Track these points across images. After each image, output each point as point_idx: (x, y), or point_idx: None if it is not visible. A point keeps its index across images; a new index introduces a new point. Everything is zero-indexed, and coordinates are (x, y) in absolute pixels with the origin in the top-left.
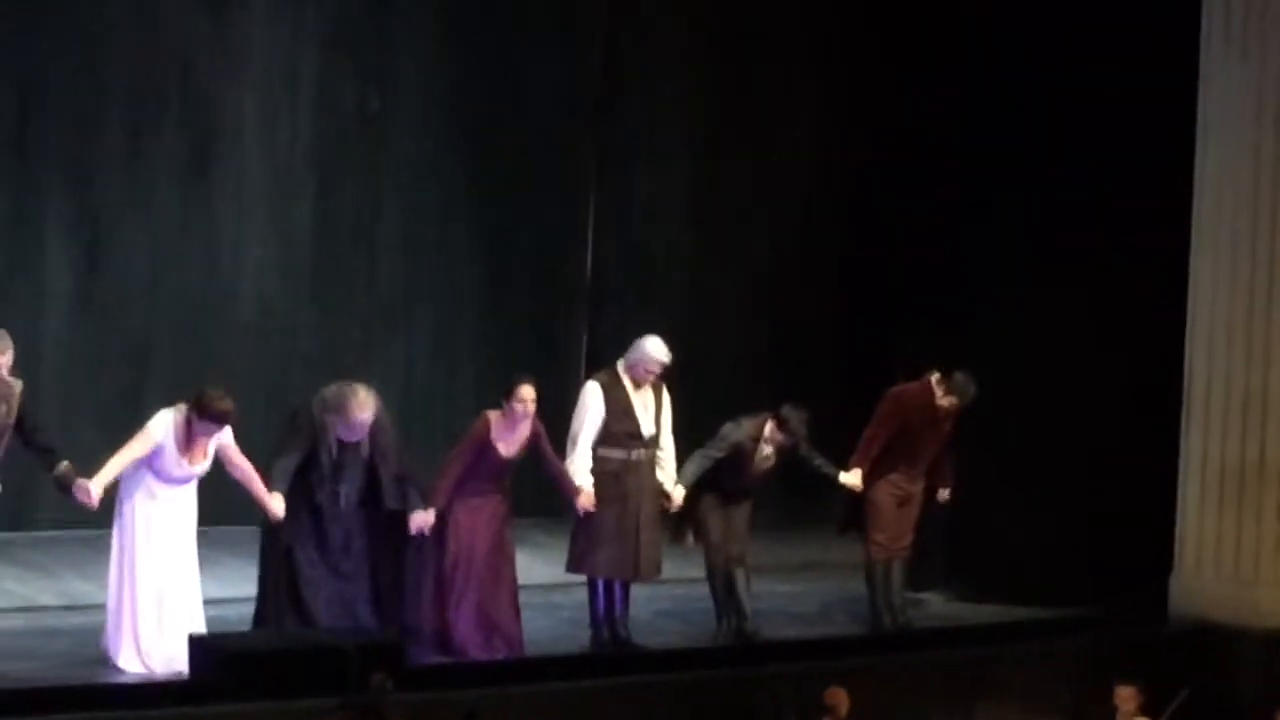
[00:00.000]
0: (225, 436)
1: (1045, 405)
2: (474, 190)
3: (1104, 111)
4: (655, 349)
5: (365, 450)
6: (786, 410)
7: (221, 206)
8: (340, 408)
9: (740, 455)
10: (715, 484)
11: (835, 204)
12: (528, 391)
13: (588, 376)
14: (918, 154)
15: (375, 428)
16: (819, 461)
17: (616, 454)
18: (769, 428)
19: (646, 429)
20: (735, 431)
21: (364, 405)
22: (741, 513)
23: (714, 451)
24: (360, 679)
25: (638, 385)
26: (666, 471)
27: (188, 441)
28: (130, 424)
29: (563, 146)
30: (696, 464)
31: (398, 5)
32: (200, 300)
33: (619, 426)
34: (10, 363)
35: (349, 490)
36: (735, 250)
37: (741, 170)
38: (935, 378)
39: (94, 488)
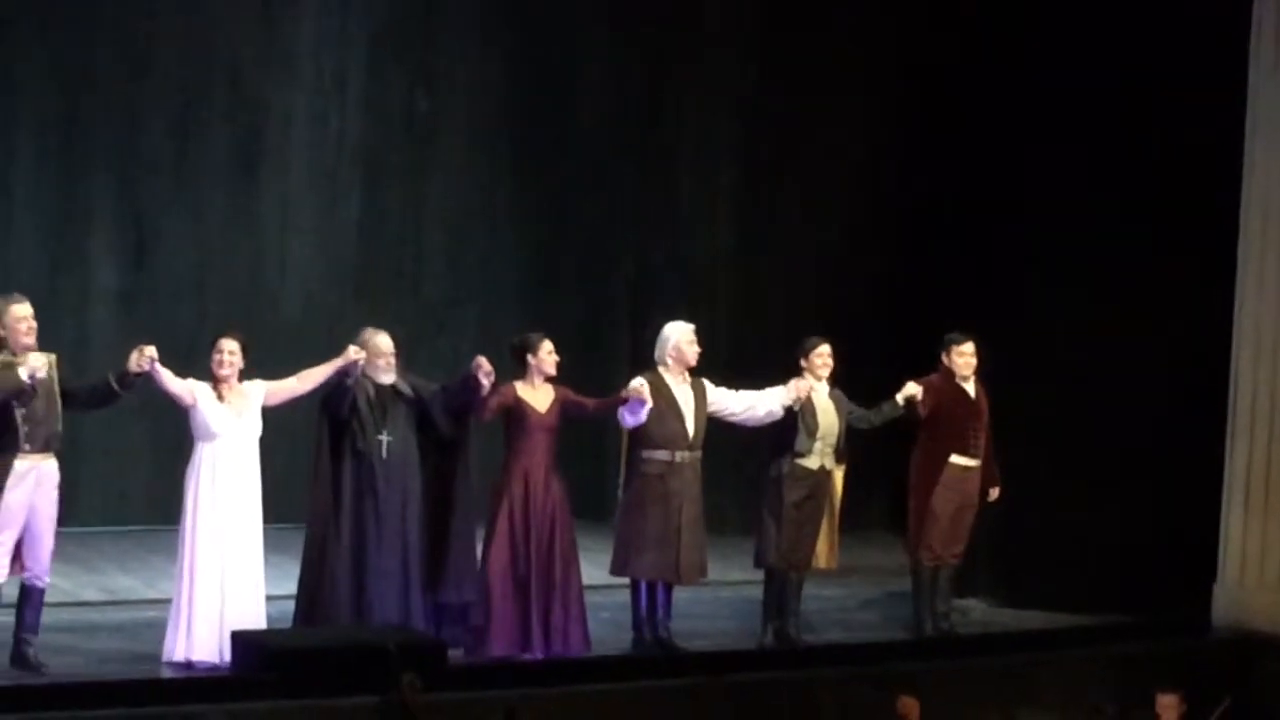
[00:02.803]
0: (263, 388)
1: (1089, 413)
2: (519, 192)
3: (1152, 120)
4: (678, 327)
5: (406, 390)
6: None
7: (268, 205)
8: (362, 341)
9: (800, 410)
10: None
11: (878, 210)
12: (548, 344)
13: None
14: (960, 161)
15: (408, 378)
16: (875, 412)
17: (661, 455)
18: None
19: (691, 430)
20: (772, 394)
21: (374, 329)
22: (811, 521)
23: (761, 412)
24: (393, 679)
25: (677, 374)
26: (769, 392)
27: (219, 385)
28: (176, 419)
29: (608, 150)
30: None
31: (445, 7)
32: (246, 298)
33: (665, 427)
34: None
35: (393, 441)
36: (778, 256)
37: (785, 177)
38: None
39: (147, 350)
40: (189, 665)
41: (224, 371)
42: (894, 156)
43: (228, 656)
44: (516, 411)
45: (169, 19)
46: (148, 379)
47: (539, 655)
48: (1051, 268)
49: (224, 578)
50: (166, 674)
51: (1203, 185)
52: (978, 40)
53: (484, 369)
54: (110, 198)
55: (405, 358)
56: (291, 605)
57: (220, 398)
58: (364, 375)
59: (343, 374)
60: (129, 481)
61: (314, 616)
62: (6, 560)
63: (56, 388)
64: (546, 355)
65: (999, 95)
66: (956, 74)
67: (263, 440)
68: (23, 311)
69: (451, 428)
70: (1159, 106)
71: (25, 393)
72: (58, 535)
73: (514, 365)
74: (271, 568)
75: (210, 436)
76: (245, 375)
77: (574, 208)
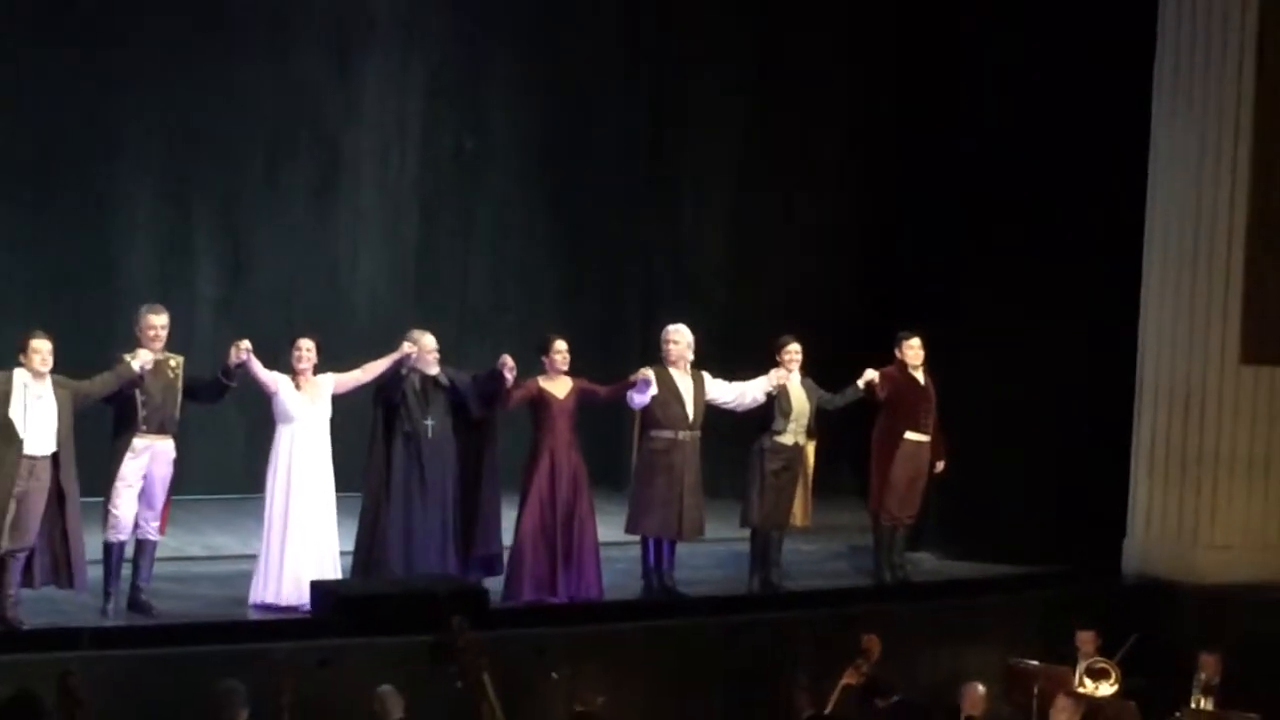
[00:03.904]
0: (333, 379)
1: (1020, 397)
2: (550, 217)
3: (1073, 155)
4: (670, 329)
5: (445, 381)
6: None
7: (342, 228)
8: (412, 339)
9: (776, 396)
10: (766, 445)
11: (851, 229)
12: (561, 344)
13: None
14: (920, 189)
15: (447, 370)
16: (840, 396)
17: (666, 434)
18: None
19: (690, 413)
20: (756, 383)
21: (421, 330)
22: (788, 488)
23: (749, 399)
24: (444, 620)
25: (675, 366)
26: (753, 382)
27: (297, 376)
28: (266, 405)
29: (623, 181)
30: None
31: (488, 64)
32: (324, 305)
33: (668, 410)
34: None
35: (435, 424)
36: (766, 268)
37: (772, 201)
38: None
39: (243, 343)
40: (269, 607)
41: (301, 365)
42: (860, 188)
43: (301, 599)
44: (540, 400)
45: (260, 73)
46: (246, 370)
47: (563, 599)
48: (993, 280)
49: (301, 536)
50: (252, 615)
51: (1115, 202)
52: (931, 96)
53: (507, 365)
54: (212, 223)
55: (455, 356)
56: (346, 559)
57: (298, 387)
58: (413, 368)
59: (398, 365)
60: (227, 457)
61: (369, 567)
62: (129, 522)
63: (179, 383)
64: (556, 354)
65: (949, 140)
66: (915, 126)
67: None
68: (156, 320)
69: (481, 412)
70: (1079, 146)
71: (135, 382)
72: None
73: (537, 362)
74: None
75: (289, 419)
76: (319, 369)
77: (594, 229)
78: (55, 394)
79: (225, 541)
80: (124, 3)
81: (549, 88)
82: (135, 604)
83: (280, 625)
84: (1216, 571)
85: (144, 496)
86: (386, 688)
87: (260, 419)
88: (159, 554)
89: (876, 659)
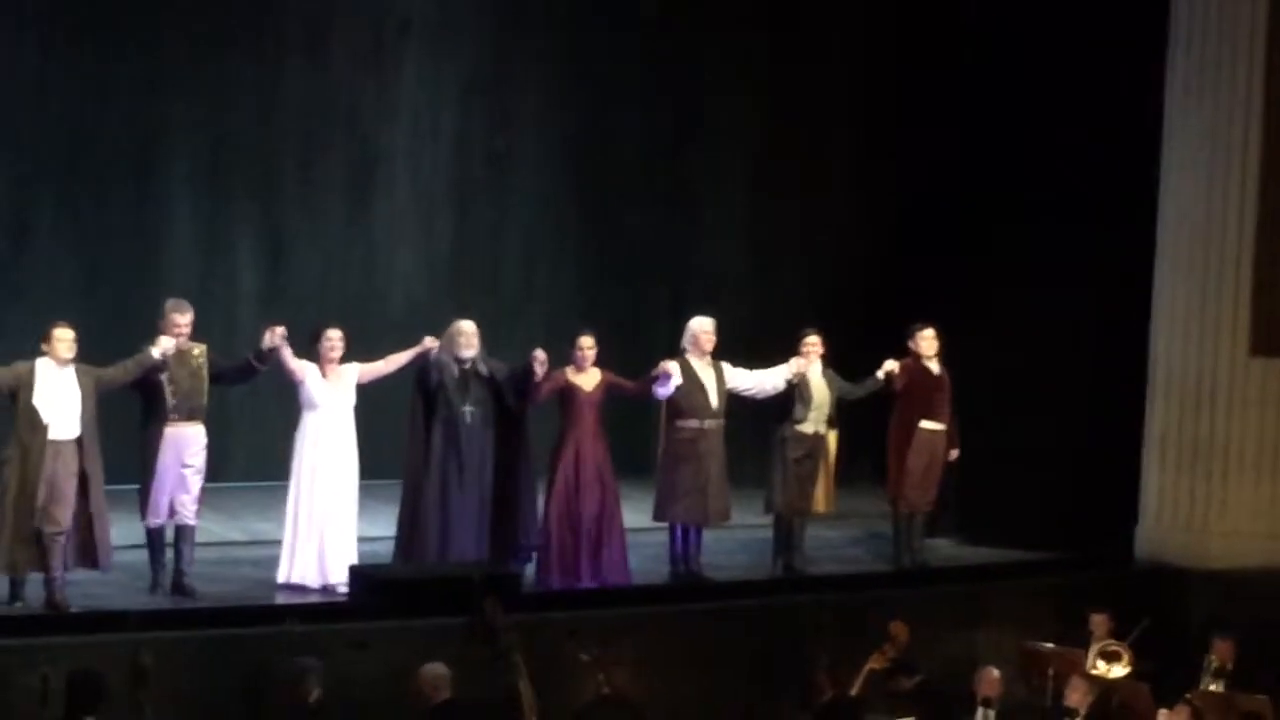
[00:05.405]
0: (357, 369)
1: (1036, 388)
2: (578, 216)
3: (1086, 150)
4: (697, 321)
5: (484, 369)
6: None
7: (378, 224)
8: (449, 333)
9: (798, 385)
10: (787, 434)
11: (863, 232)
12: (586, 340)
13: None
14: (931, 190)
15: (489, 362)
16: (860, 386)
17: (692, 423)
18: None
19: (714, 402)
20: (776, 371)
21: (460, 320)
22: (810, 476)
23: (768, 386)
24: (478, 603)
25: (700, 358)
26: (774, 371)
27: (324, 365)
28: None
29: (649, 180)
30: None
31: (519, 68)
32: (360, 298)
33: (693, 400)
34: (189, 327)
35: (474, 410)
36: (783, 269)
37: (788, 205)
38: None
39: (278, 329)
40: (295, 587)
41: (329, 355)
42: (873, 187)
43: (326, 579)
44: (568, 392)
45: (298, 73)
46: (277, 355)
47: (590, 584)
48: (1006, 274)
49: (322, 518)
50: (280, 596)
51: (1126, 194)
52: (941, 96)
53: (539, 359)
54: (252, 217)
55: (487, 346)
56: (383, 544)
57: (324, 375)
58: (453, 357)
59: (422, 357)
60: (267, 445)
61: (411, 549)
62: (166, 507)
63: (205, 371)
64: (579, 350)
65: (960, 138)
66: (926, 123)
67: (367, 412)
68: (180, 319)
69: (516, 405)
70: (1092, 141)
71: (158, 367)
72: (211, 489)
73: (566, 354)
74: (374, 514)
75: (313, 406)
76: (346, 359)
77: (622, 225)
78: (78, 381)
79: (265, 527)
80: (165, 3)
81: (577, 89)
82: (179, 587)
83: (321, 608)
84: (1226, 557)
85: (180, 483)
86: (436, 667)
87: (299, 409)
88: (201, 539)
89: (904, 645)
